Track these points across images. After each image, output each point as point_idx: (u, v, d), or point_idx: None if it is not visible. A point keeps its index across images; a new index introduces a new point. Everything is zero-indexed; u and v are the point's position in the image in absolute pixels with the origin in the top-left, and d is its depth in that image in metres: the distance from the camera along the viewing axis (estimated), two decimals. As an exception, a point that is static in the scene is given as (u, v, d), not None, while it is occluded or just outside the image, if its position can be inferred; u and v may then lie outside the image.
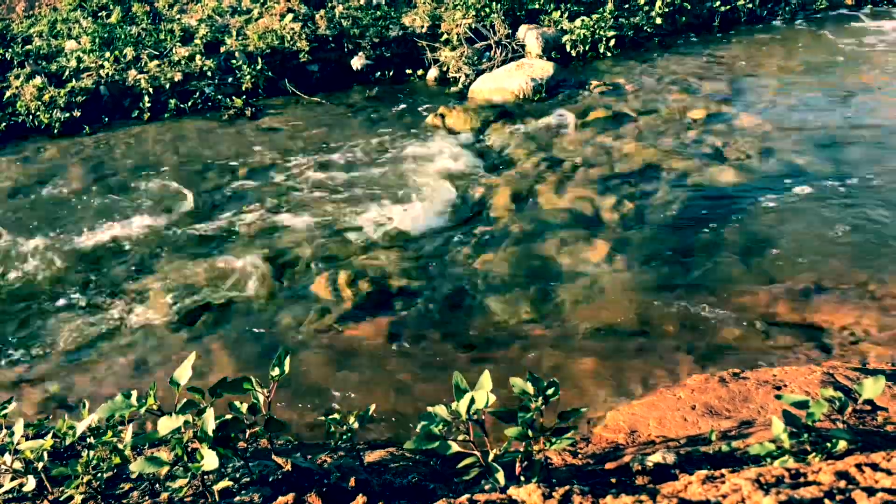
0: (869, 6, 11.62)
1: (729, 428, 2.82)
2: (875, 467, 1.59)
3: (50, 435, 2.33)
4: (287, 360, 2.26)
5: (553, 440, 2.08)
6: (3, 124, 8.40)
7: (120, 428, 2.32)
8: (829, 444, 1.89)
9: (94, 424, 2.32)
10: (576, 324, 4.67)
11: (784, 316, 4.56)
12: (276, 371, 2.24)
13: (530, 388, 2.11)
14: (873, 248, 5.24)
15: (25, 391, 4.38)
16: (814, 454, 1.86)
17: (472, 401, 2.03)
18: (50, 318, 5.10)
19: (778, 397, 2.12)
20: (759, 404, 3.08)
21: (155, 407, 2.11)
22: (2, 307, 5.27)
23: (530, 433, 2.07)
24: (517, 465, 2.11)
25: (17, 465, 2.18)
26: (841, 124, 7.45)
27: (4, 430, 2.26)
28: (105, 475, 2.23)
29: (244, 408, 2.24)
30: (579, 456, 2.72)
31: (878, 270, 4.94)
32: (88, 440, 2.39)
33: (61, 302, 5.28)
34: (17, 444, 2.19)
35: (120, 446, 2.22)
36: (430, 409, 2.09)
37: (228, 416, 2.15)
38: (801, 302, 4.68)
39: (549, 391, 2.11)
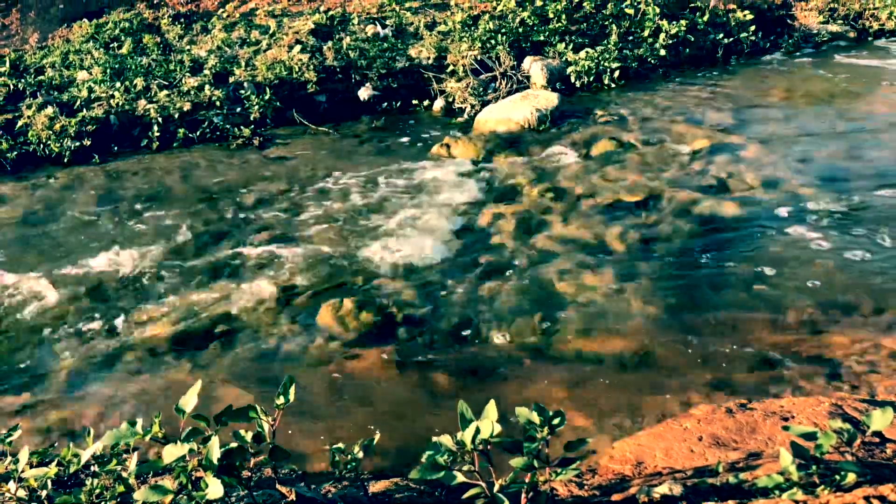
0: (871, 39, 11.74)
1: (736, 459, 2.79)
2: (884, 500, 1.58)
3: (54, 463, 2.32)
4: (292, 389, 2.26)
5: (559, 471, 2.07)
6: (15, 153, 8.50)
7: (125, 456, 2.31)
8: (837, 477, 1.87)
9: (98, 452, 2.31)
10: (581, 353, 4.65)
11: (791, 346, 4.54)
12: (281, 399, 2.25)
13: (536, 418, 2.10)
14: (880, 278, 5.22)
15: (30, 419, 4.37)
16: (822, 486, 1.84)
17: (478, 430, 2.02)
18: (55, 346, 5.11)
19: (786, 429, 2.11)
20: (766, 436, 3.05)
21: (160, 435, 2.11)
22: (7, 334, 5.28)
23: (536, 464, 2.06)
24: (523, 496, 2.09)
25: (22, 493, 2.18)
26: (844, 154, 7.48)
27: (9, 458, 2.26)
28: (109, 504, 2.22)
29: (249, 436, 2.23)
30: (585, 487, 2.70)
31: (886, 301, 4.92)
32: (93, 468, 2.38)
33: (66, 329, 5.29)
34: (22, 471, 2.19)
35: (124, 474, 2.21)
36: (435, 438, 2.08)
37: (233, 445, 2.15)
38: (808, 333, 4.66)
39: (555, 421, 2.10)
